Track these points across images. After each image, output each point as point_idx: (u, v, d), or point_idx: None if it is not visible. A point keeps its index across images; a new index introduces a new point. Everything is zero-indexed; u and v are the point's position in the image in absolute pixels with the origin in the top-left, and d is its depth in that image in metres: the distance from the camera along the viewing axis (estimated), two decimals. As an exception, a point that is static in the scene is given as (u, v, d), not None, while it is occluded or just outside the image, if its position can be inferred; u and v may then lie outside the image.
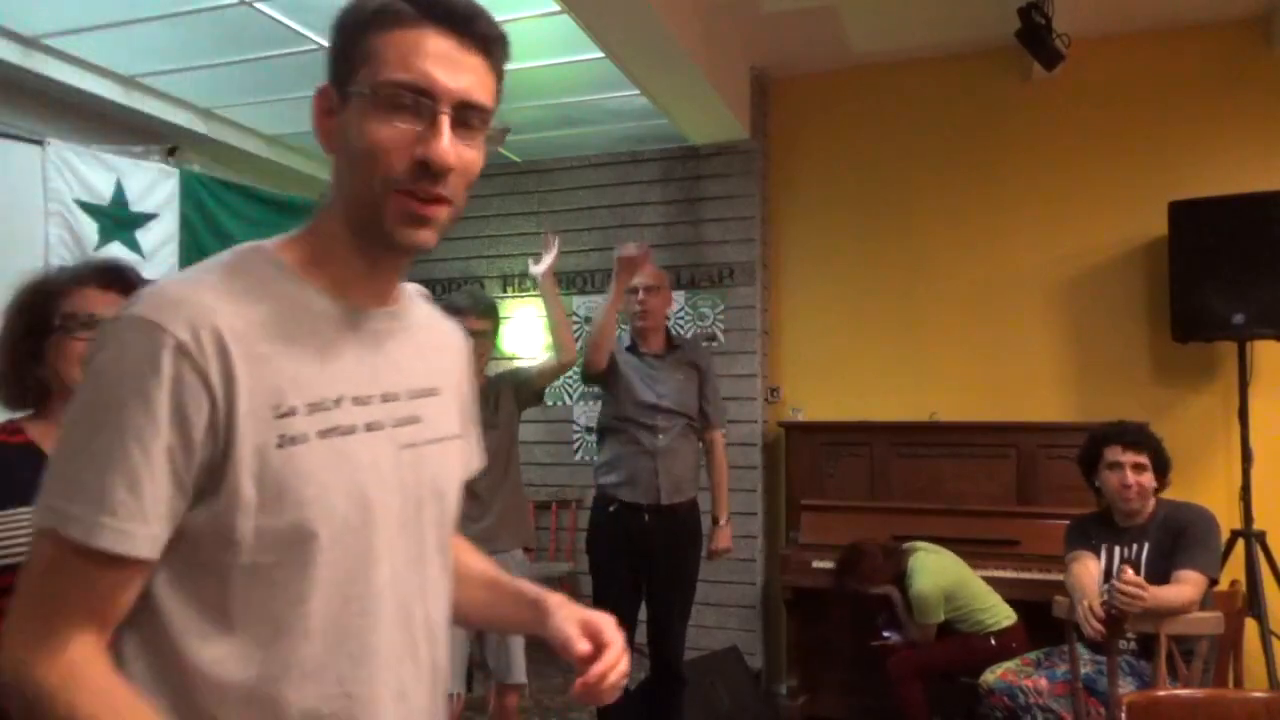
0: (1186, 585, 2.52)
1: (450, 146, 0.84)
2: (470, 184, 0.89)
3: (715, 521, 3.29)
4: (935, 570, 3.38)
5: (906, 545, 3.50)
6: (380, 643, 0.90)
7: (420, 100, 0.84)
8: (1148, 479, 2.72)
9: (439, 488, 0.98)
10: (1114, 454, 2.74)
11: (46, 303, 1.46)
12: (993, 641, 3.24)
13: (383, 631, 0.90)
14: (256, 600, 0.83)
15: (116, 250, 3.88)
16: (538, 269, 3.08)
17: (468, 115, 0.86)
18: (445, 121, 0.84)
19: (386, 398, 0.93)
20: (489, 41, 0.88)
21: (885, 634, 3.53)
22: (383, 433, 0.91)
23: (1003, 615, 3.31)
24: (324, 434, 0.86)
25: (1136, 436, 2.76)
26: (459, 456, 1.05)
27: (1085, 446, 2.88)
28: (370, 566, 0.89)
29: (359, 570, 0.88)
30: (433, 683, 0.98)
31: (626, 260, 2.99)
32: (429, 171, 0.84)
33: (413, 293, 1.01)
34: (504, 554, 2.89)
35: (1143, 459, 2.72)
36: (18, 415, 1.49)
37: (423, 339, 1.00)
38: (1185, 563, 2.57)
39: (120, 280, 1.52)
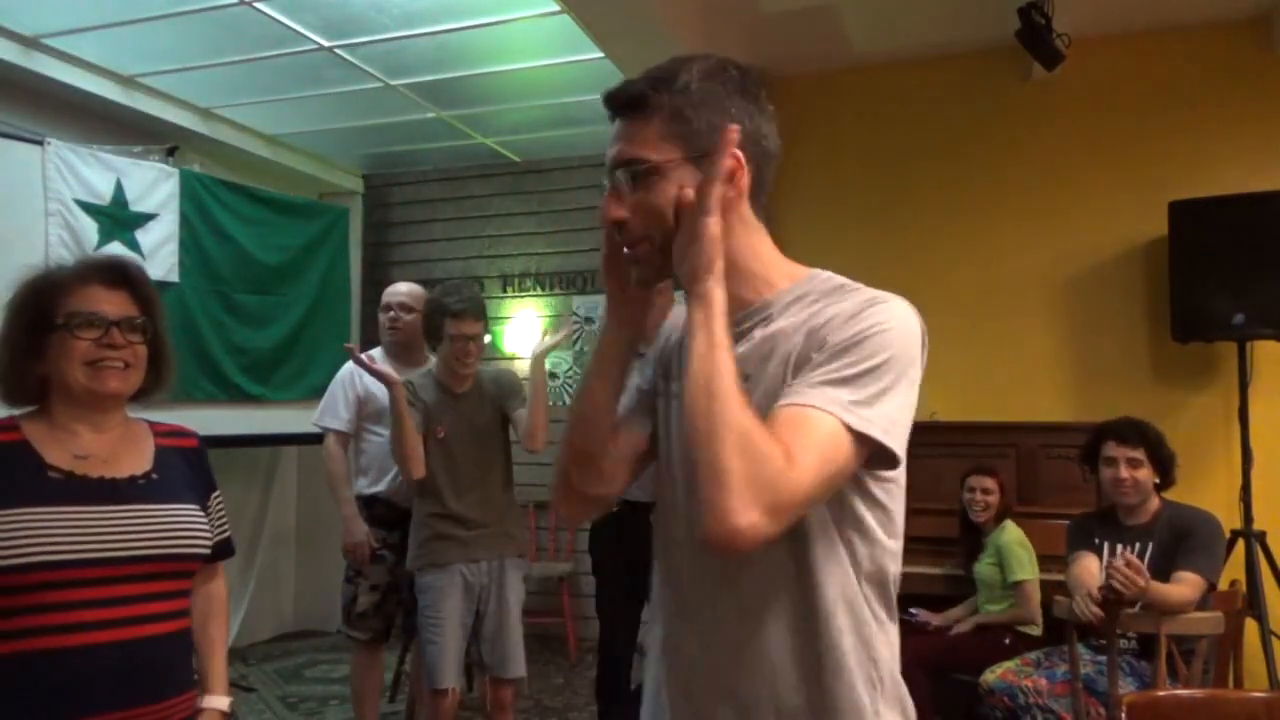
0: (1184, 586, 2.53)
1: (609, 203, 1.04)
2: (659, 219, 1.02)
3: None
4: (1025, 539, 3.37)
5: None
6: None
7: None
8: (1144, 475, 2.72)
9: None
10: (1109, 449, 2.78)
11: (49, 300, 1.43)
12: (1007, 641, 3.24)
13: None
14: None
15: (116, 250, 3.88)
16: (536, 347, 2.92)
17: (627, 171, 1.02)
18: (608, 187, 1.05)
19: None
20: (631, 101, 1.03)
21: (912, 611, 3.49)
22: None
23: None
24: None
25: (1130, 432, 2.77)
26: None
27: (1086, 442, 2.89)
28: None
29: None
30: None
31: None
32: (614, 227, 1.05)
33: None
34: (501, 559, 2.88)
35: (1137, 454, 2.73)
36: (15, 411, 1.46)
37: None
38: (1185, 565, 2.57)
39: (125, 278, 1.49)
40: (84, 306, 1.41)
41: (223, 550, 1.62)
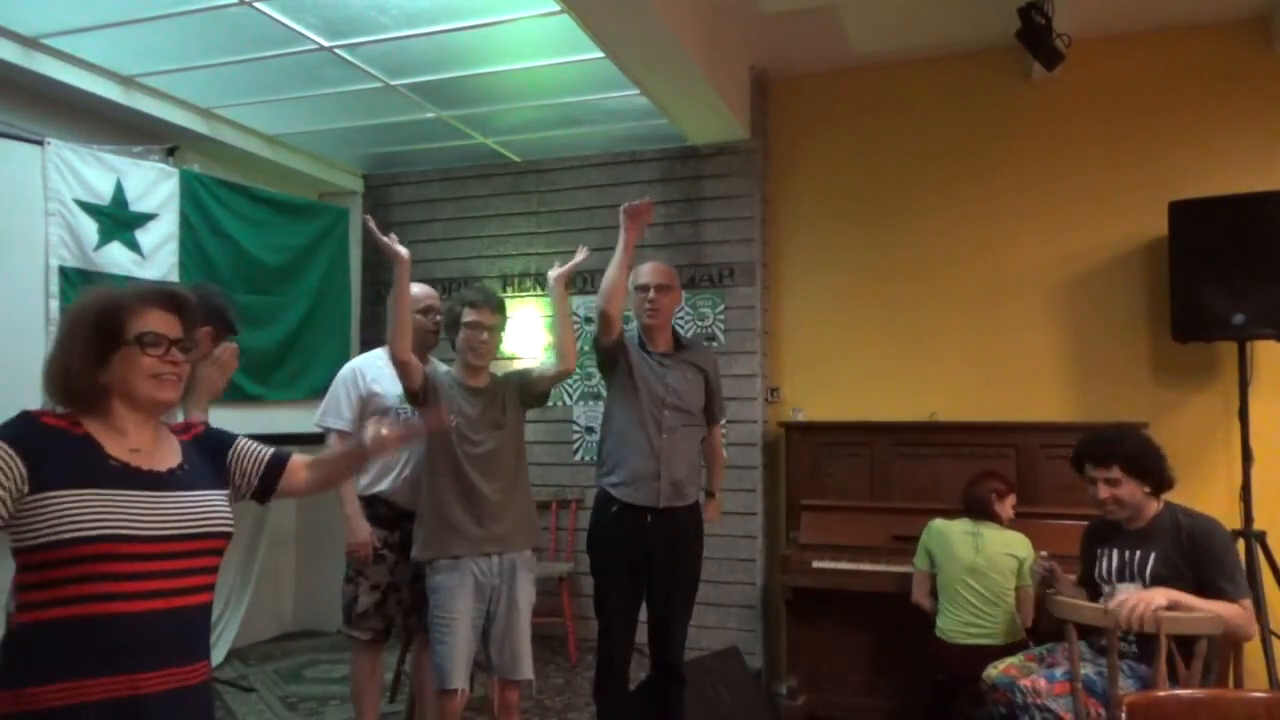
0: (1234, 608, 2.52)
1: None
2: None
3: (709, 495, 3.32)
4: (940, 531, 3.45)
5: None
6: None
7: None
8: (1125, 490, 2.69)
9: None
10: (1088, 470, 2.77)
11: (118, 318, 1.62)
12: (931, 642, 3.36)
13: None
14: None
15: (116, 250, 3.89)
16: (554, 271, 3.07)
17: None
18: None
19: None
20: None
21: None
22: None
23: (944, 626, 3.34)
24: None
25: (1102, 451, 2.72)
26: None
27: (1071, 463, 2.88)
28: None
29: None
30: None
31: (632, 211, 2.99)
32: None
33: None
34: (516, 555, 2.90)
35: (1112, 473, 2.69)
36: (61, 411, 1.62)
37: None
38: (1220, 595, 2.54)
39: (178, 305, 1.70)
40: (150, 327, 1.64)
41: (281, 453, 1.89)
